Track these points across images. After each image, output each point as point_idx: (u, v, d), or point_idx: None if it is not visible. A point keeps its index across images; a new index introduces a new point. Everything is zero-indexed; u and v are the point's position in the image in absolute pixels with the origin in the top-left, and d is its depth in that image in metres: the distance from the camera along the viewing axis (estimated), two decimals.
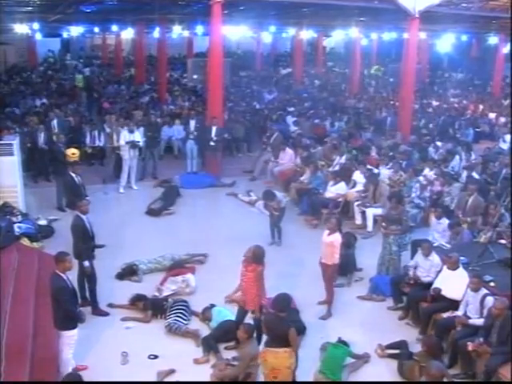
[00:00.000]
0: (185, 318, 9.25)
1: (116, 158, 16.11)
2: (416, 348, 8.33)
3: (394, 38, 33.61)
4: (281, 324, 7.35)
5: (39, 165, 16.11)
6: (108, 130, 17.89)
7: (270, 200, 11.99)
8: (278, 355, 7.22)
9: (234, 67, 28.46)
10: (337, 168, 14.96)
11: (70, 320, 7.51)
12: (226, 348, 8.59)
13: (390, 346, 8.53)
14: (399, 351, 8.36)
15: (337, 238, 9.38)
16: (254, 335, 8.03)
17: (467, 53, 38.99)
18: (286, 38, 41.97)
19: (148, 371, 8.00)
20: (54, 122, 16.44)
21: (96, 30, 38.07)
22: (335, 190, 13.48)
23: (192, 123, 17.25)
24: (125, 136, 15.23)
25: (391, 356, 8.40)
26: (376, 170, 14.02)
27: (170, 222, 13.66)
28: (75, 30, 35.47)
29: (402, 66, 19.19)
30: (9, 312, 8.54)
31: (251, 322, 8.30)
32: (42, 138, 16.14)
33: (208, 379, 7.78)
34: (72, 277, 8.05)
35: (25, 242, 11.29)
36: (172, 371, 8.04)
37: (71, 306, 7.53)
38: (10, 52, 35.51)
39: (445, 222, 10.85)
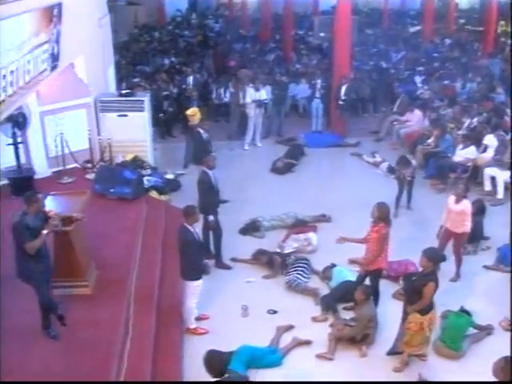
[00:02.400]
0: (305, 275, 9.32)
1: (241, 116, 16.32)
2: None
3: None
4: None
5: (166, 121, 16.65)
6: (232, 89, 18.06)
7: (404, 167, 11.71)
8: None
9: (361, 25, 27.73)
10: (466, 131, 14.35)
11: (195, 271, 7.77)
12: (344, 308, 8.58)
13: None
14: None
15: (467, 205, 9.14)
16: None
17: None
18: None
19: (267, 325, 8.18)
20: (190, 79, 16.82)
21: None
22: (464, 153, 12.92)
23: (318, 82, 17.10)
24: (251, 94, 15.39)
25: None
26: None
27: (294, 180, 13.71)
28: None
29: None
30: (138, 260, 8.97)
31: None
32: (168, 94, 16.68)
33: (325, 337, 7.83)
34: (198, 230, 8.26)
35: (153, 194, 11.76)
36: (291, 327, 8.17)
37: (197, 257, 7.80)
38: (141, 12, 36.38)
39: None
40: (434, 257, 7.20)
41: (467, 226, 9.15)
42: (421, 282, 7.09)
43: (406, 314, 7.34)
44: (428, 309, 7.15)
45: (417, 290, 7.11)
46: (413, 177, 11.75)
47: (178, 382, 6.81)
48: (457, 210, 9.15)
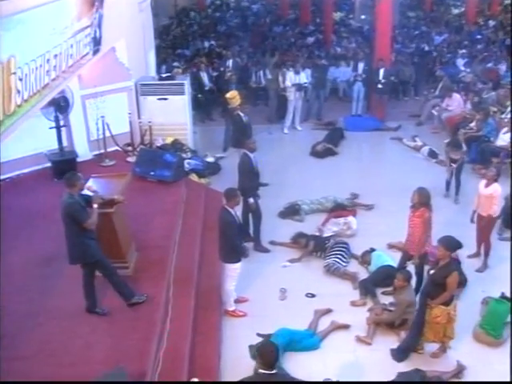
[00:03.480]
0: (344, 259, 9.31)
1: (278, 99, 16.28)
2: None
3: None
4: None
5: (205, 104, 16.69)
6: (269, 76, 17.86)
7: (454, 150, 11.56)
8: None
9: (403, 7, 27.37)
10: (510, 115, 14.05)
11: (234, 254, 7.81)
12: (383, 293, 8.56)
13: None
14: None
15: (496, 188, 9.02)
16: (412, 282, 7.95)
17: None
18: None
19: (305, 309, 8.20)
20: (230, 62, 16.84)
21: None
22: (507, 138, 12.68)
23: (360, 65, 16.94)
24: (290, 77, 15.36)
25: None
26: None
27: (333, 164, 13.67)
28: None
29: None
30: (178, 242, 9.04)
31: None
32: (207, 78, 16.71)
33: (363, 322, 7.84)
34: (238, 213, 8.28)
35: (193, 177, 11.85)
36: (329, 311, 8.19)
37: (237, 240, 7.83)
38: None
39: None
40: (450, 245, 7.02)
41: (495, 210, 9.08)
42: (442, 273, 6.93)
43: (423, 307, 7.18)
44: (452, 298, 7.06)
45: (438, 283, 6.96)
46: (462, 162, 11.57)
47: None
48: (485, 194, 9.08)
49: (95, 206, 6.93)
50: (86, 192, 7.23)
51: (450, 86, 16.60)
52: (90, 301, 7.21)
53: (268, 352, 5.25)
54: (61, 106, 10.92)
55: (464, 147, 11.57)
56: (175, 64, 17.96)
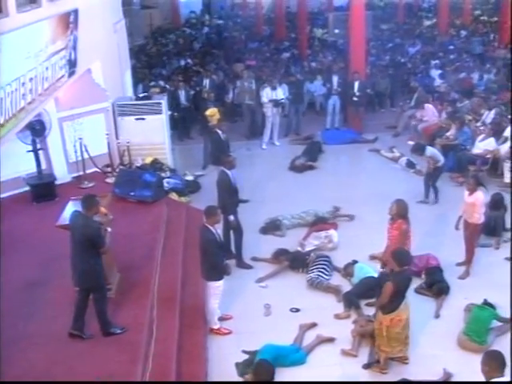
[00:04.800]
0: (327, 273, 9.31)
1: (252, 115, 16.41)
2: None
3: None
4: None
5: (183, 123, 16.70)
6: (238, 90, 17.81)
7: (419, 154, 11.75)
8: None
9: (376, 20, 27.62)
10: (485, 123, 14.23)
11: (216, 271, 7.79)
12: (367, 304, 8.56)
13: None
14: None
15: (478, 196, 9.07)
16: None
17: None
18: None
19: (290, 324, 8.17)
20: (207, 81, 16.88)
21: None
22: (483, 146, 12.84)
23: (335, 79, 17.07)
24: (267, 93, 15.40)
25: None
26: None
27: (313, 178, 13.67)
28: None
29: None
30: (160, 262, 9.01)
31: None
32: (184, 96, 16.71)
33: (348, 334, 7.82)
34: (219, 230, 8.27)
35: (173, 196, 11.83)
36: (314, 325, 8.17)
37: (219, 258, 7.81)
38: (155, 15, 36.44)
39: None
40: (397, 258, 7.07)
41: (477, 218, 9.11)
42: (383, 279, 7.12)
43: None
44: (390, 309, 7.04)
45: (381, 288, 7.10)
46: (435, 168, 11.70)
47: (197, 383, 6.80)
48: (468, 202, 9.15)
49: (109, 229, 6.89)
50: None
51: (425, 96, 16.78)
52: (78, 324, 7.12)
53: (265, 372, 5.23)
54: (36, 129, 10.83)
55: (428, 151, 11.65)
56: (152, 83, 17.96)
